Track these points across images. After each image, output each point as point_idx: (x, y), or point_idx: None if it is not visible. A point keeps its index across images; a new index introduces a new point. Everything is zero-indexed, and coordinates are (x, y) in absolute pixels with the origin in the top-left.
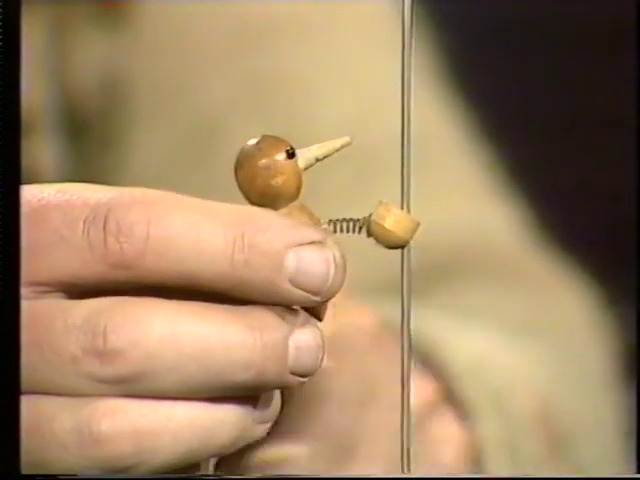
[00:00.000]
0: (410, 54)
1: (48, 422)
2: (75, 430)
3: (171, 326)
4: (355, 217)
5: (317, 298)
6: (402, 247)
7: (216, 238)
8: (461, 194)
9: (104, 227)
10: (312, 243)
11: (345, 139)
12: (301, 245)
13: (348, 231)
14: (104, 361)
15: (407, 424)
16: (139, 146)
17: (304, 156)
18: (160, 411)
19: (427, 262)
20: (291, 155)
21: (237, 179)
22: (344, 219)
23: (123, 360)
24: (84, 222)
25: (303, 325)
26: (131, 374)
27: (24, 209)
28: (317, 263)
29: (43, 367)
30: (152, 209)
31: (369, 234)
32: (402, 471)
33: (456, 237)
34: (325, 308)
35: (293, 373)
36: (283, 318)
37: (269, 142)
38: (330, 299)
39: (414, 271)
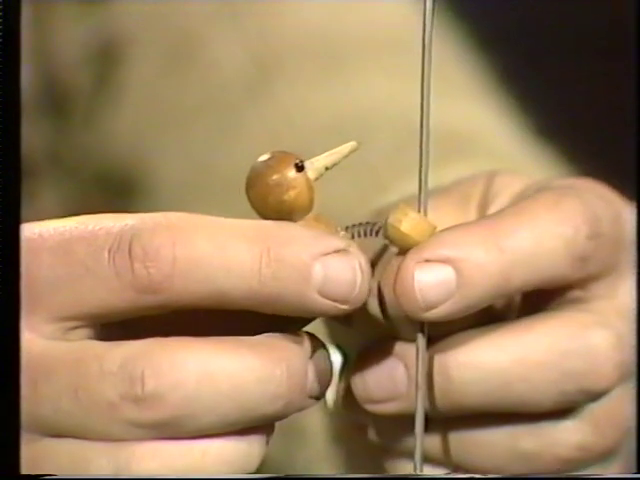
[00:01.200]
0: (430, 51)
1: (86, 466)
2: (113, 474)
3: (206, 366)
4: (371, 221)
5: (345, 306)
6: None
7: (242, 255)
8: (454, 97)
9: (129, 253)
10: (337, 252)
11: (352, 144)
12: (327, 254)
13: (365, 235)
14: (143, 407)
15: (420, 426)
16: (124, 121)
17: (313, 167)
18: (195, 450)
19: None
20: (300, 168)
21: (249, 198)
22: (360, 224)
23: (162, 405)
24: (109, 251)
25: (314, 349)
26: (170, 418)
27: (46, 244)
28: (344, 271)
29: (79, 413)
30: (176, 231)
31: (386, 237)
32: (415, 471)
33: (445, 130)
34: (351, 316)
35: (310, 397)
36: (301, 345)
37: (278, 158)
38: (357, 307)
39: None
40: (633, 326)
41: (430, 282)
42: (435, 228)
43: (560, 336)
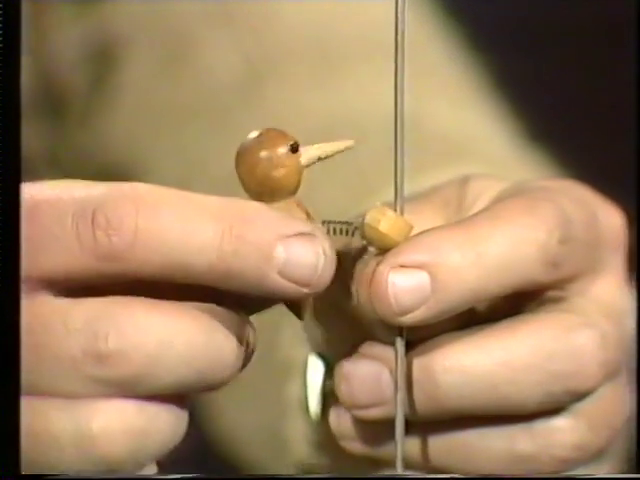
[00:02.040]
0: (403, 53)
1: (47, 423)
2: (73, 431)
3: (168, 329)
4: (350, 221)
5: (306, 290)
6: None
7: (205, 230)
8: (447, 99)
9: (92, 221)
10: (302, 235)
11: (349, 142)
12: (290, 237)
13: (342, 233)
14: (105, 363)
15: (401, 426)
16: (120, 122)
17: (307, 153)
18: (150, 410)
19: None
20: (295, 150)
21: (237, 167)
22: (339, 222)
23: (125, 362)
24: (72, 216)
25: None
26: (131, 376)
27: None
28: (307, 254)
29: (42, 369)
30: (140, 202)
31: (363, 237)
32: (397, 470)
33: (440, 135)
34: (305, 308)
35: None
36: (246, 319)
37: (275, 134)
38: (318, 292)
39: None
40: (633, 327)
41: (404, 287)
42: (412, 228)
43: (544, 338)
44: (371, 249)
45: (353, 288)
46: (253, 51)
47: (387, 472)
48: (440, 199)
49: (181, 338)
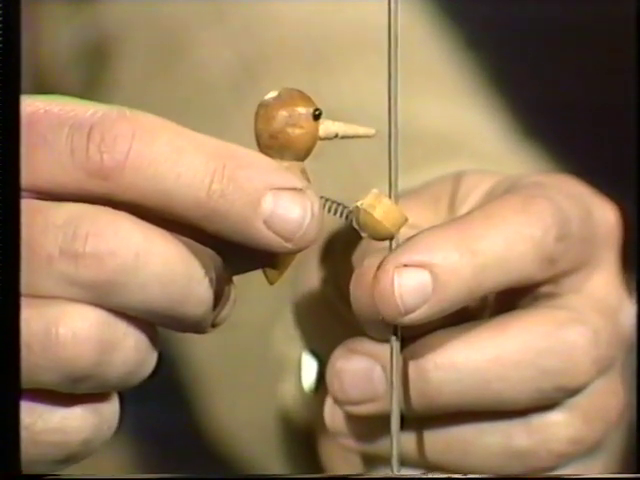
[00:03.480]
0: (396, 48)
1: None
2: (41, 330)
3: (147, 244)
4: (347, 203)
5: (289, 245)
6: (388, 239)
7: (196, 164)
8: (442, 98)
9: (88, 135)
10: (292, 189)
11: (370, 130)
12: (281, 189)
13: (335, 213)
14: (80, 264)
15: (397, 426)
16: None
17: (327, 125)
18: (119, 326)
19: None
20: (317, 117)
21: (257, 115)
22: (336, 202)
23: (99, 266)
24: (70, 127)
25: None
26: (104, 282)
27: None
28: (294, 208)
29: (22, 266)
30: (138, 127)
31: (357, 222)
32: (392, 471)
33: (434, 131)
34: (281, 272)
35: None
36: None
37: (297, 94)
38: (301, 250)
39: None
40: (627, 321)
41: (409, 287)
42: (407, 219)
43: (536, 334)
44: (363, 235)
45: (350, 288)
46: (246, 49)
47: (382, 468)
48: (431, 195)
49: (159, 258)
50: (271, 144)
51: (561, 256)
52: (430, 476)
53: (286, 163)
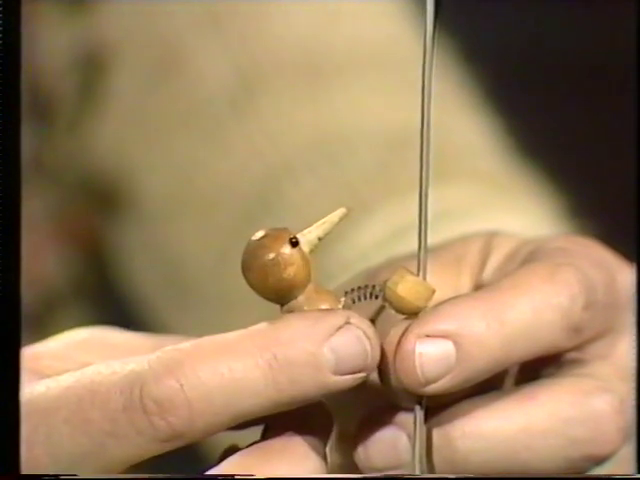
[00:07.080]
0: (432, 64)
1: None
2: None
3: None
4: (370, 284)
5: (363, 374)
6: (416, 313)
7: (251, 372)
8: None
9: (144, 410)
10: (339, 328)
11: (342, 211)
12: (330, 336)
13: (365, 299)
14: None
15: (420, 426)
16: (108, 129)
17: (307, 240)
18: None
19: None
20: (295, 244)
21: (248, 280)
22: (359, 287)
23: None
24: (124, 411)
25: None
26: None
27: (61, 414)
28: (352, 345)
29: None
30: (181, 374)
31: (384, 299)
32: (415, 472)
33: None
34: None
35: None
36: None
37: (271, 236)
38: (373, 371)
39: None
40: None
41: (431, 358)
42: (434, 291)
43: (563, 403)
44: (392, 311)
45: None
46: (244, 62)
47: None
48: (452, 256)
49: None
50: (278, 295)
51: (587, 324)
52: (430, 476)
53: (301, 297)
